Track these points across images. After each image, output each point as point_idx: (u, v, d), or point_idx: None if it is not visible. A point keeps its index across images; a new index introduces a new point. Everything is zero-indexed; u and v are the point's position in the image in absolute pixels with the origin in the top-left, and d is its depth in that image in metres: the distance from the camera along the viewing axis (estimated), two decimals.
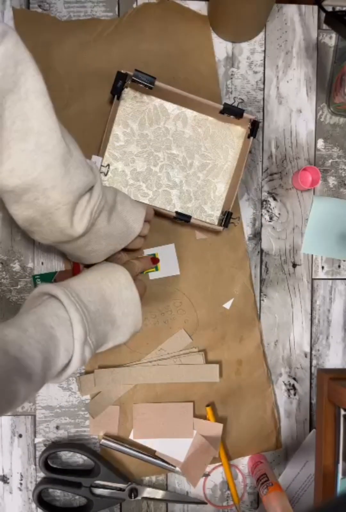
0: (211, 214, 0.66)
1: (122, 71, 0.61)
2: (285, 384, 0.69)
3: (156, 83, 0.61)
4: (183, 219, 0.63)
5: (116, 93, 0.61)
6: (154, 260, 0.64)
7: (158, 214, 0.64)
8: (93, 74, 0.65)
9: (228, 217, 0.63)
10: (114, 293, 0.53)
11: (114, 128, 0.64)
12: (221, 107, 0.62)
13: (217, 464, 0.67)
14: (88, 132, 0.64)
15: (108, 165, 0.64)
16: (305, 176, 0.66)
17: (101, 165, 0.62)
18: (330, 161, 0.69)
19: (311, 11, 0.68)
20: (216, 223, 0.65)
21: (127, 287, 0.54)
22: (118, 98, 0.63)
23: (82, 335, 0.47)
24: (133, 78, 0.60)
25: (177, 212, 0.63)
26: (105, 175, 0.64)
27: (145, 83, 0.60)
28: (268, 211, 0.68)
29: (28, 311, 0.47)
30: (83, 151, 0.62)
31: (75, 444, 0.66)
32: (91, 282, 0.52)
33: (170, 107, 0.65)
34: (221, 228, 0.63)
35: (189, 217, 0.63)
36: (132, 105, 0.64)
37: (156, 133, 0.65)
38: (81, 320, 0.47)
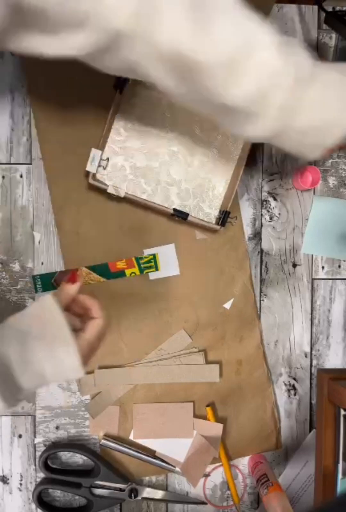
0: (209, 212, 0.66)
1: None
2: (285, 384, 0.69)
3: None
4: (180, 216, 0.63)
5: (118, 87, 0.61)
6: (73, 277, 0.54)
7: (157, 211, 0.64)
8: (93, 73, 0.64)
9: (225, 216, 0.63)
10: (55, 376, 0.46)
11: (115, 122, 0.64)
12: None
13: (217, 464, 0.67)
14: (88, 131, 0.64)
15: (107, 159, 0.63)
16: (305, 176, 0.66)
17: (101, 159, 0.62)
18: (330, 161, 0.69)
19: (311, 11, 0.68)
20: (214, 221, 0.65)
21: (73, 370, 0.46)
22: (121, 93, 0.62)
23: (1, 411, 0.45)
24: None
25: (174, 209, 0.63)
26: (104, 169, 0.63)
27: None
28: (268, 211, 0.68)
29: None
30: (84, 145, 0.62)
31: (75, 444, 0.66)
32: (33, 358, 0.45)
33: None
34: (218, 226, 0.63)
35: (187, 214, 0.63)
36: (134, 100, 0.64)
37: (157, 129, 0.65)
38: (3, 405, 0.44)
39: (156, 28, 0.41)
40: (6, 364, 0.44)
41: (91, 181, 0.61)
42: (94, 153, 0.61)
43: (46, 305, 0.46)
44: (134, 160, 0.64)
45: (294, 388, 0.69)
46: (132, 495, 0.65)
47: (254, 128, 0.47)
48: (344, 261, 0.70)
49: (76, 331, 0.47)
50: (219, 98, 0.45)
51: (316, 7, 0.67)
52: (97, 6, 0.38)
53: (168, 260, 0.66)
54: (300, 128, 0.48)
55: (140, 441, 0.66)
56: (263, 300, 0.69)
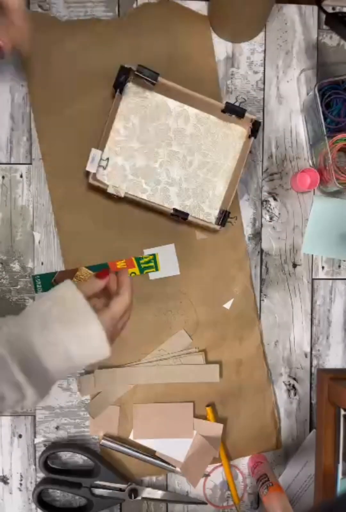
0: (209, 212, 0.66)
1: (125, 66, 0.61)
2: (285, 384, 0.69)
3: (159, 79, 0.61)
4: (180, 216, 0.63)
5: (118, 87, 0.61)
6: (103, 273, 0.51)
7: (157, 211, 0.64)
8: (93, 73, 0.65)
9: (225, 216, 0.63)
10: (82, 357, 0.46)
11: (115, 122, 0.64)
12: (223, 106, 0.62)
13: (217, 464, 0.67)
14: (88, 131, 0.64)
15: (107, 159, 0.63)
16: (303, 178, 0.66)
17: (101, 159, 0.62)
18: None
19: (311, 11, 0.68)
20: (214, 222, 0.65)
21: (100, 348, 0.46)
22: (121, 93, 0.62)
23: (36, 400, 0.44)
24: (136, 73, 0.60)
25: (174, 209, 0.63)
26: (104, 168, 0.63)
27: (148, 79, 0.60)
28: (268, 211, 0.68)
29: None
30: (83, 147, 0.63)
31: (75, 444, 0.66)
32: (56, 339, 0.44)
33: (172, 104, 0.65)
34: (218, 227, 0.63)
35: (186, 214, 0.63)
36: (134, 100, 0.64)
37: (157, 129, 0.65)
38: (36, 393, 0.43)
39: None
40: (32, 350, 0.43)
41: (91, 181, 0.61)
42: (94, 153, 0.61)
43: (67, 288, 0.47)
44: (134, 160, 0.64)
45: (294, 388, 0.69)
46: (132, 495, 0.65)
47: None
48: (344, 261, 0.70)
49: (99, 310, 0.47)
50: None
51: (316, 7, 0.68)
52: None
53: (168, 260, 0.66)
54: None
55: (140, 441, 0.66)
56: (263, 300, 0.69)
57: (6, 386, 0.42)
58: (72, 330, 0.45)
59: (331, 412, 0.62)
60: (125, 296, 0.49)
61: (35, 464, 0.66)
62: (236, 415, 0.68)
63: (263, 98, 0.68)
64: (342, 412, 0.60)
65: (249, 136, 0.64)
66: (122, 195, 0.61)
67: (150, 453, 0.66)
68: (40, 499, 0.65)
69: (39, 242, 0.66)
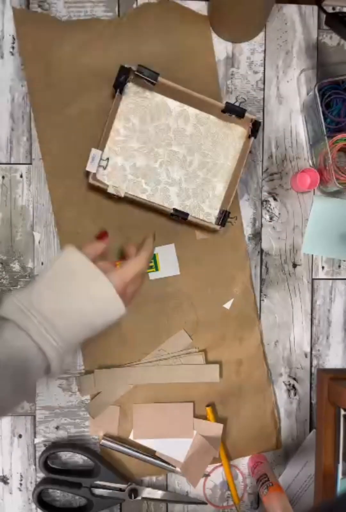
0: (209, 212, 0.66)
1: (125, 66, 0.61)
2: (285, 384, 0.69)
3: (159, 79, 0.61)
4: (180, 216, 0.63)
5: (118, 87, 0.61)
6: (102, 234, 0.55)
7: (157, 211, 0.64)
8: (93, 73, 0.65)
9: (225, 216, 0.63)
10: (96, 315, 0.46)
11: (115, 122, 0.64)
12: (223, 106, 0.62)
13: (217, 464, 0.67)
14: (88, 131, 0.64)
15: (107, 159, 0.63)
16: (303, 178, 0.66)
17: (101, 159, 0.62)
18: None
19: (311, 11, 0.68)
20: (214, 222, 0.65)
21: (113, 303, 0.46)
22: (121, 93, 0.62)
23: (58, 367, 0.45)
24: (136, 72, 0.60)
25: (174, 209, 0.63)
26: (104, 168, 0.63)
27: (148, 79, 0.60)
28: (268, 211, 0.68)
29: None
30: (83, 147, 0.63)
31: (75, 444, 0.66)
32: (68, 300, 0.45)
33: (172, 104, 0.65)
34: (218, 227, 0.63)
35: (186, 214, 0.63)
36: (134, 100, 0.64)
37: (157, 129, 0.65)
38: (57, 357, 0.44)
39: None
40: (45, 316, 0.44)
41: (91, 181, 0.61)
42: (94, 153, 0.61)
43: (70, 252, 0.47)
44: (134, 160, 0.64)
45: (294, 388, 0.69)
46: (132, 495, 0.65)
47: None
48: (344, 261, 0.70)
49: (107, 270, 0.47)
50: None
51: (316, 7, 0.68)
52: None
53: (168, 260, 0.66)
54: None
55: (140, 441, 0.66)
56: (263, 300, 0.69)
57: (27, 351, 0.42)
58: (81, 289, 0.45)
59: (331, 412, 0.62)
60: (140, 260, 0.50)
61: (35, 464, 0.66)
62: (236, 415, 0.68)
63: (263, 98, 0.68)
64: (342, 412, 0.60)
65: (249, 136, 0.64)
66: (122, 195, 0.62)
67: (150, 453, 0.66)
68: (40, 499, 0.65)
69: (39, 242, 0.66)
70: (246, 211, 0.68)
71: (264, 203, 0.68)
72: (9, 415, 0.66)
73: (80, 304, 0.45)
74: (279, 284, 0.69)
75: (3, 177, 0.65)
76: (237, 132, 0.66)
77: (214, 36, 0.67)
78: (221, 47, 0.67)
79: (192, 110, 0.65)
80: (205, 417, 0.67)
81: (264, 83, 0.68)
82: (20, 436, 0.66)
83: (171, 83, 0.61)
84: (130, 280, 0.49)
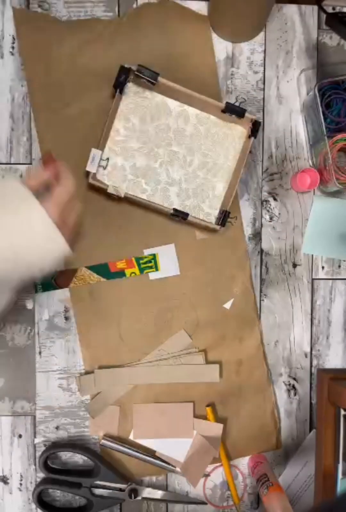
0: (209, 212, 0.66)
1: (125, 66, 0.61)
2: (285, 384, 0.69)
3: (159, 79, 0.61)
4: (180, 216, 0.63)
5: (118, 87, 0.61)
6: (48, 160, 0.49)
7: (157, 211, 0.64)
8: (93, 73, 0.65)
9: (225, 216, 0.63)
10: (30, 249, 0.42)
11: (115, 122, 0.64)
12: (223, 106, 0.62)
13: (217, 464, 0.67)
14: (88, 131, 0.64)
15: (107, 159, 0.63)
16: (303, 178, 0.66)
17: (101, 159, 0.62)
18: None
19: (311, 11, 0.68)
20: (214, 221, 0.65)
21: (49, 236, 0.42)
22: (121, 93, 0.63)
23: None
24: (136, 72, 0.60)
25: (174, 209, 0.63)
26: (104, 168, 0.63)
27: (149, 79, 0.60)
28: (268, 211, 0.68)
29: None
30: (83, 147, 0.63)
31: (75, 444, 0.66)
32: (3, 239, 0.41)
33: (172, 104, 0.65)
34: (218, 227, 0.63)
35: (186, 214, 0.63)
36: (134, 100, 0.64)
37: (157, 129, 0.65)
38: None
39: None
40: None
41: (91, 181, 0.61)
42: (94, 153, 0.61)
43: (9, 180, 0.45)
44: (134, 160, 0.64)
45: (294, 388, 0.69)
46: (132, 495, 0.65)
47: None
48: (344, 261, 0.70)
49: (43, 200, 0.44)
50: None
51: (316, 7, 0.68)
52: None
53: (168, 260, 0.66)
54: None
55: (140, 441, 0.66)
56: (263, 300, 0.69)
57: None
58: (12, 218, 0.41)
59: (331, 412, 0.62)
60: (65, 183, 0.47)
61: (35, 464, 0.66)
62: (236, 415, 0.68)
63: (263, 98, 0.68)
64: (342, 412, 0.60)
65: (249, 136, 0.64)
66: (122, 195, 0.62)
67: (150, 453, 0.66)
68: (40, 499, 0.65)
69: None
70: (246, 211, 0.68)
71: (264, 203, 0.68)
72: (9, 415, 0.66)
73: (8, 235, 0.41)
74: (279, 284, 0.69)
75: (3, 177, 0.65)
76: (237, 132, 0.66)
77: (214, 36, 0.67)
78: (221, 47, 0.67)
79: (192, 110, 0.65)
80: (205, 417, 0.67)
81: (264, 83, 0.68)
82: (20, 436, 0.66)
83: (171, 83, 0.61)
84: (66, 205, 0.46)
